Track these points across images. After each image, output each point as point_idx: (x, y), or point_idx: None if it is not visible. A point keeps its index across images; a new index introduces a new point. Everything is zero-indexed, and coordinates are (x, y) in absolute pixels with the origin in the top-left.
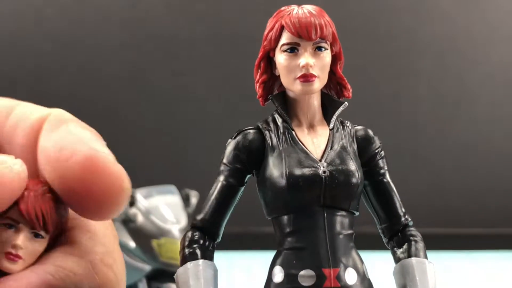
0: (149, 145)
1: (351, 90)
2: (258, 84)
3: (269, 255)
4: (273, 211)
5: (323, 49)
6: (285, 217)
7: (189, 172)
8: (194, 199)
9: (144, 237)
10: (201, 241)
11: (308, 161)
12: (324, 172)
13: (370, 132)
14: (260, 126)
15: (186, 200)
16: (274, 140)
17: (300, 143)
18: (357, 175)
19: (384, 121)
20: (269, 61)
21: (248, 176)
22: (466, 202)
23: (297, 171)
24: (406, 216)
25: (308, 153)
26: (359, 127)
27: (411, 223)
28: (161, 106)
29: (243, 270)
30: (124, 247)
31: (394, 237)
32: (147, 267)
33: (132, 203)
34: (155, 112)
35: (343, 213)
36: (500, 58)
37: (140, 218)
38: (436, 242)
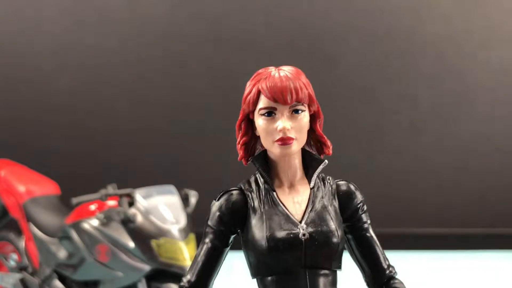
0: (149, 146)
1: (331, 147)
2: (239, 145)
3: None
4: (257, 273)
5: (300, 111)
6: (269, 279)
7: (189, 172)
8: (193, 199)
9: (143, 237)
10: None
11: (288, 224)
12: (304, 235)
13: (352, 187)
14: (243, 187)
15: (185, 200)
16: (256, 202)
17: (281, 205)
18: (337, 234)
19: (384, 121)
20: (249, 122)
21: (233, 236)
22: (466, 202)
23: (278, 235)
24: (390, 269)
25: (288, 215)
26: (341, 182)
27: (396, 275)
28: (161, 107)
29: (243, 270)
30: (123, 247)
31: None
32: (146, 267)
33: (132, 203)
34: (155, 113)
35: (326, 271)
36: (500, 58)
37: (139, 219)
38: (436, 242)
